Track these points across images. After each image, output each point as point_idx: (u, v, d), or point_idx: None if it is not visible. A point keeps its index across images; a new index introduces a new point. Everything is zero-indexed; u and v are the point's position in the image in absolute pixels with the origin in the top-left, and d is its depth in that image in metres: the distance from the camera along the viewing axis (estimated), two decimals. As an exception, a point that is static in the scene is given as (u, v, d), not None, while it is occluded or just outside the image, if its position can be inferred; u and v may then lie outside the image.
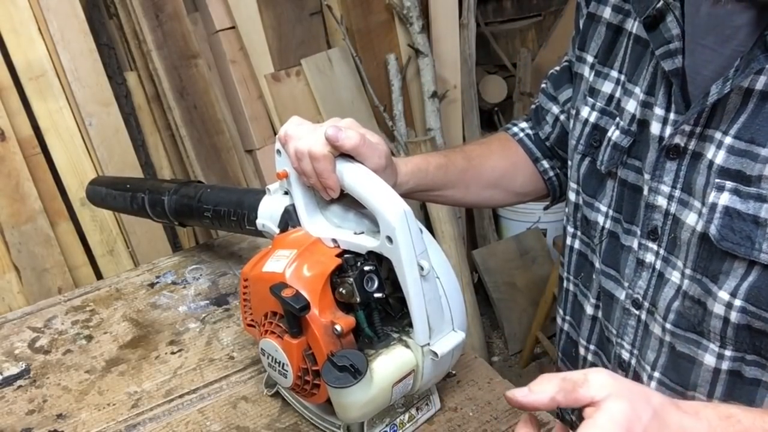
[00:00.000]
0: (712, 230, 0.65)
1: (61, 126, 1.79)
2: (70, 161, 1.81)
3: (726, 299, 0.65)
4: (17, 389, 0.92)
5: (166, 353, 0.97)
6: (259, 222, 0.86)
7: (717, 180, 0.64)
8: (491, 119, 2.83)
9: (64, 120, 1.79)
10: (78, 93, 1.80)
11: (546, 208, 1.10)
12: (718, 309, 0.66)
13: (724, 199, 0.63)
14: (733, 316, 0.65)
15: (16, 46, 1.72)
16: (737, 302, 0.64)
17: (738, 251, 0.63)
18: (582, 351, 0.89)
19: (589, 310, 0.87)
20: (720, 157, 0.64)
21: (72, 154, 1.80)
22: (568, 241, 0.90)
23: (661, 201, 0.72)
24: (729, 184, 0.63)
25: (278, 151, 0.77)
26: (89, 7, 1.85)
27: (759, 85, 0.61)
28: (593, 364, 0.88)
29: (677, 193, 0.70)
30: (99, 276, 1.86)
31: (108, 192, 1.18)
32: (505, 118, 2.81)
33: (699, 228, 0.67)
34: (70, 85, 1.79)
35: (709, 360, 0.70)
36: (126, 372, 0.93)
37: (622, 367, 0.81)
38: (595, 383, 0.51)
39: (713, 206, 0.64)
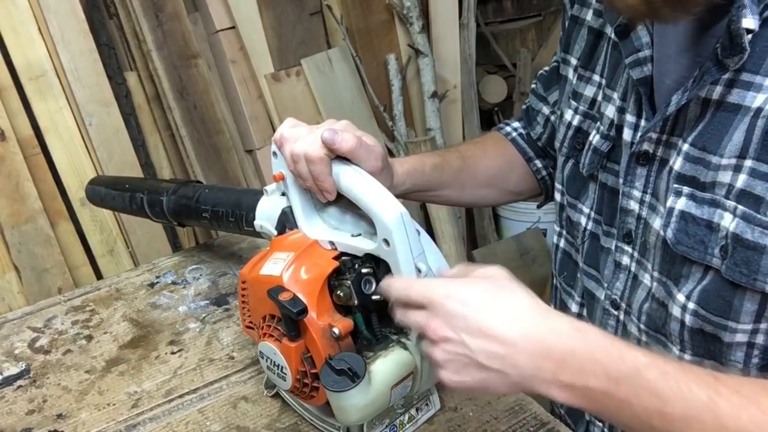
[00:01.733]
0: (669, 234, 0.65)
1: (61, 126, 1.79)
2: (70, 161, 1.81)
3: (682, 302, 0.66)
4: (17, 389, 0.92)
5: (166, 353, 0.97)
6: (257, 223, 0.87)
7: (675, 185, 0.65)
8: (491, 119, 2.82)
9: (64, 120, 1.79)
10: (78, 93, 1.80)
11: (539, 206, 1.10)
12: (676, 312, 0.67)
13: (681, 203, 0.64)
14: (687, 319, 0.66)
15: (16, 46, 1.72)
16: (690, 305, 0.65)
17: (692, 255, 0.64)
18: None
19: (574, 308, 0.88)
20: (678, 164, 0.65)
21: (72, 154, 1.81)
22: (555, 239, 0.91)
23: (633, 205, 0.73)
24: (686, 189, 0.64)
25: (274, 153, 0.77)
26: (89, 7, 1.85)
27: (715, 95, 0.62)
28: None
29: (648, 198, 0.71)
30: (99, 276, 1.86)
31: (107, 192, 1.18)
32: (505, 118, 2.80)
33: (661, 232, 0.68)
34: (70, 85, 1.79)
35: None
36: (126, 372, 0.93)
37: None
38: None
39: (670, 211, 0.65)
